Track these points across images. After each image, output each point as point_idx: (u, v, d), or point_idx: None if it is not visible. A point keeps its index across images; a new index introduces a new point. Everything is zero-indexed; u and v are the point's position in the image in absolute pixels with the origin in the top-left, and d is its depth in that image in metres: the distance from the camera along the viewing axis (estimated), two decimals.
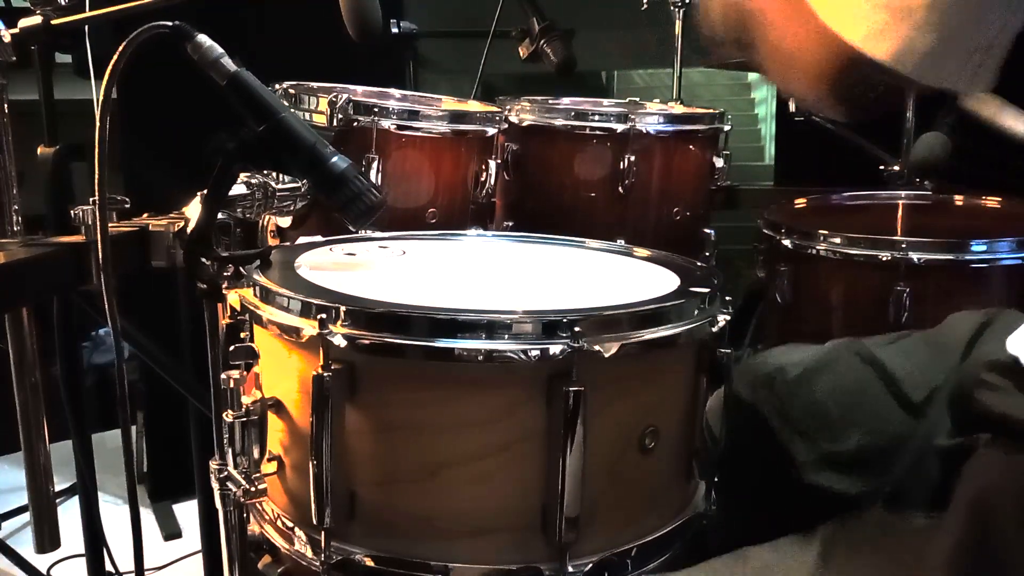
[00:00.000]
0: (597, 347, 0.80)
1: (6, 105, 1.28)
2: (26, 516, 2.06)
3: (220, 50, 0.94)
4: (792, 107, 1.99)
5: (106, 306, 0.95)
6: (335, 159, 0.94)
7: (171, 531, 2.21)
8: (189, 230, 0.95)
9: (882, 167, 1.93)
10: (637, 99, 1.99)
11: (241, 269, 0.95)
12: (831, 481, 1.00)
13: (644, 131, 1.67)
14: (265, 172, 1.09)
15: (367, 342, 0.80)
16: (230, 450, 0.90)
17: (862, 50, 0.63)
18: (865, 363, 1.05)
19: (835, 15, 0.65)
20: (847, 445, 1.01)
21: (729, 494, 0.98)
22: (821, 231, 1.52)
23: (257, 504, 0.94)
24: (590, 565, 0.85)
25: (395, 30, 2.18)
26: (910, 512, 0.79)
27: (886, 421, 1.00)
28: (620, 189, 1.67)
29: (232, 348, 0.92)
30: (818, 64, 0.68)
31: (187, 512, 2.25)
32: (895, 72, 0.63)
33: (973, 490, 0.72)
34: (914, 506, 0.83)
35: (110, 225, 0.98)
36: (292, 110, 0.97)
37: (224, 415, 0.90)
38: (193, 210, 0.96)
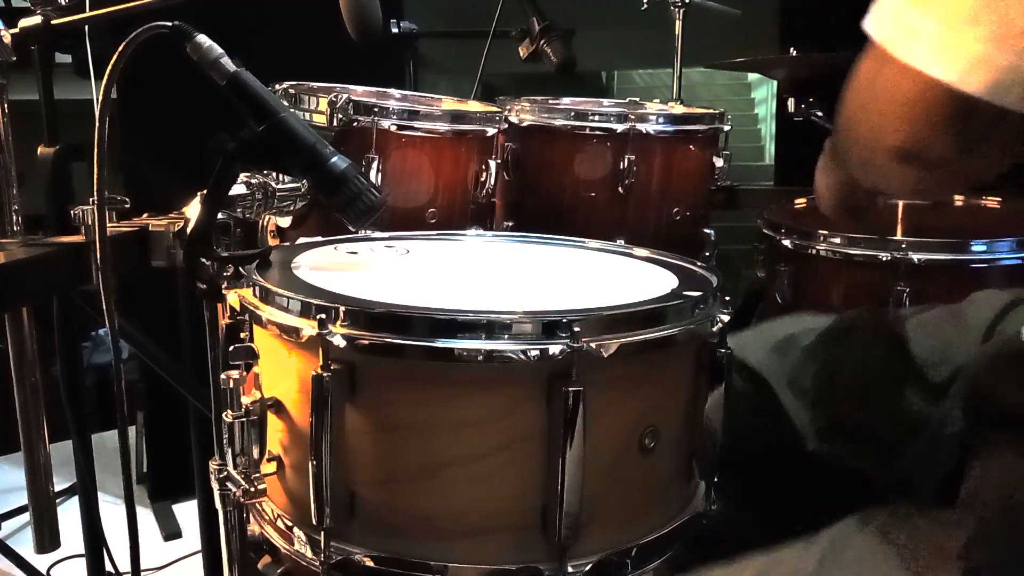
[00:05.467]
0: (597, 347, 0.80)
1: (6, 105, 1.28)
2: (26, 516, 2.08)
3: (220, 50, 0.94)
4: (791, 107, 1.99)
5: (104, 306, 0.95)
6: (335, 159, 0.94)
7: (171, 531, 2.21)
8: (189, 230, 0.95)
9: None
10: (637, 99, 1.99)
11: (241, 269, 0.95)
12: (840, 450, 0.98)
13: (644, 131, 1.67)
14: (265, 172, 1.09)
15: (367, 342, 0.80)
16: (230, 450, 0.90)
17: (956, 86, 0.58)
18: (887, 336, 1.03)
19: (929, 57, 0.60)
20: (861, 416, 0.99)
21: (730, 482, 0.97)
22: (821, 231, 1.52)
23: (257, 504, 0.94)
24: (590, 565, 0.84)
25: (395, 30, 2.18)
26: (915, 500, 0.78)
27: (904, 400, 0.98)
28: (620, 189, 1.67)
29: (232, 348, 0.92)
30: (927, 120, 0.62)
31: (187, 512, 2.26)
32: (998, 106, 0.57)
33: (982, 483, 0.72)
34: (922, 493, 0.82)
35: (110, 225, 0.98)
36: (292, 110, 0.97)
37: (224, 415, 0.90)
38: (193, 210, 0.96)
